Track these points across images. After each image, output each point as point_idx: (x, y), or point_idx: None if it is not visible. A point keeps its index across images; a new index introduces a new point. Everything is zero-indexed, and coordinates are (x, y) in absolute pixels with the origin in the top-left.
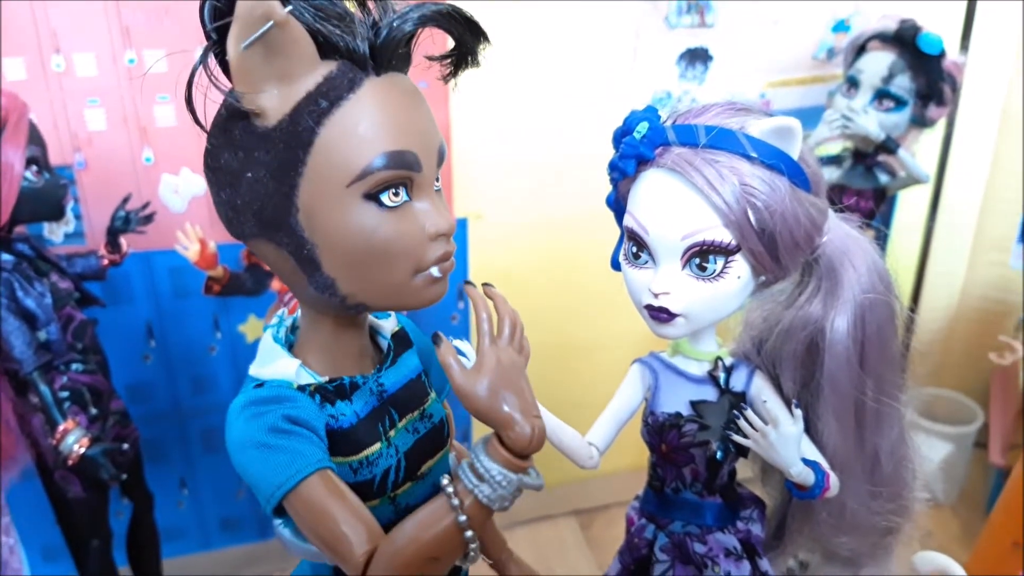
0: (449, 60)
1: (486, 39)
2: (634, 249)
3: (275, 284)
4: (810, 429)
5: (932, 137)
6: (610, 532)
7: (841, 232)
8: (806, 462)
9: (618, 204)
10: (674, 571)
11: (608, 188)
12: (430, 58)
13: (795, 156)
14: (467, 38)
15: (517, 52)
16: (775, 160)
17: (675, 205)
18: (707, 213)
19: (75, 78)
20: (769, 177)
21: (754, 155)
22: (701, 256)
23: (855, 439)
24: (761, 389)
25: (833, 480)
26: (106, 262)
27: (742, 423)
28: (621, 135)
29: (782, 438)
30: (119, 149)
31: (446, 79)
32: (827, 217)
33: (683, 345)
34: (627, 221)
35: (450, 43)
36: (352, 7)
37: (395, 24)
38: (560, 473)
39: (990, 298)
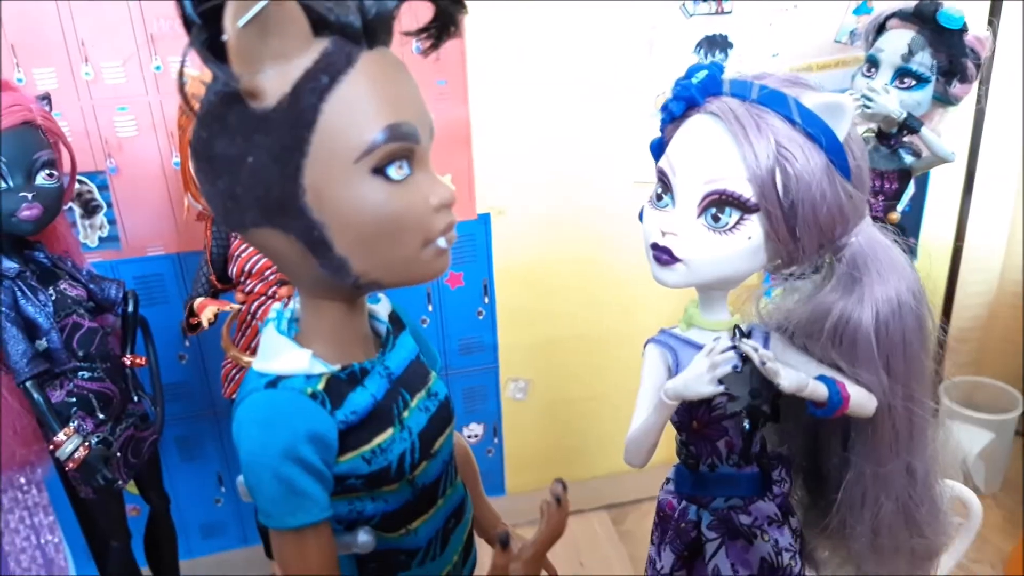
0: (430, 32)
1: (465, 8)
2: (659, 190)
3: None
4: None
5: (964, 118)
6: (642, 526)
7: (872, 238)
8: (821, 379)
9: (660, 150)
10: (726, 547)
11: (628, 176)
12: (410, 33)
13: (842, 134)
14: (449, 8)
15: (534, 48)
16: (817, 131)
17: (707, 149)
18: (735, 163)
19: (104, 86)
20: (807, 147)
21: (797, 121)
22: (717, 206)
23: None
24: (776, 348)
25: (854, 392)
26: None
27: (744, 345)
28: (680, 81)
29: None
30: (149, 153)
31: (427, 52)
32: (861, 215)
33: (696, 317)
34: (661, 162)
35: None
36: None
37: None
38: (591, 468)
39: None
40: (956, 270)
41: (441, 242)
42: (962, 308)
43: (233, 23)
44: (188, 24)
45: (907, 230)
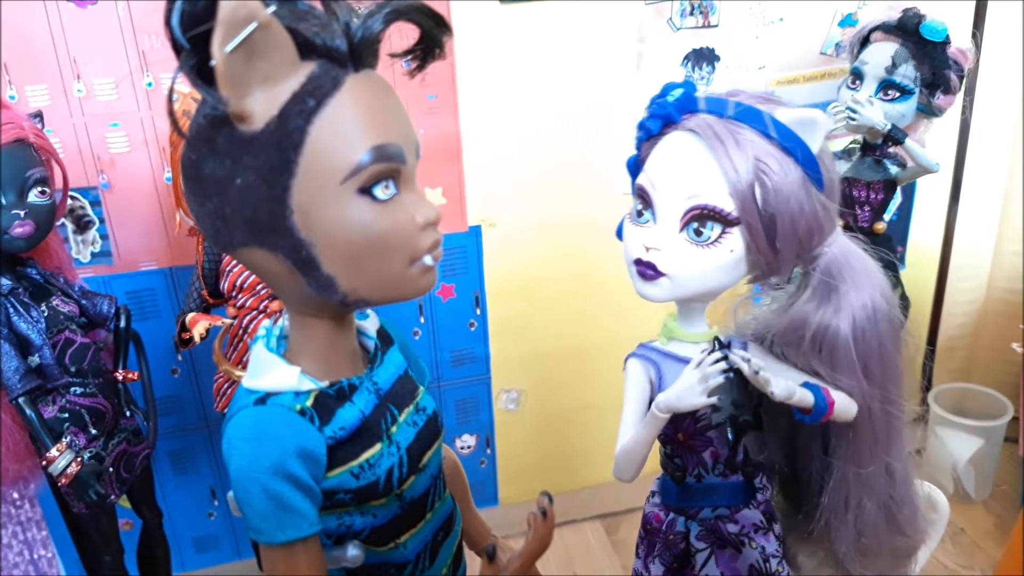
0: (415, 54)
1: (450, 31)
2: (639, 207)
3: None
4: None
5: (950, 128)
6: (635, 535)
7: (845, 247)
8: (807, 386)
9: (637, 167)
10: (715, 556)
11: (617, 188)
12: (396, 55)
13: (815, 148)
14: (434, 31)
15: (524, 62)
16: (792, 145)
17: (688, 165)
18: (716, 178)
19: (96, 102)
20: (784, 160)
21: (774, 136)
22: (700, 221)
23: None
24: (755, 356)
25: (838, 398)
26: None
27: (734, 356)
28: (655, 99)
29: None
30: (141, 169)
31: (413, 73)
32: (834, 225)
33: (677, 331)
34: (640, 179)
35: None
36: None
37: (369, 21)
38: (584, 478)
39: (1016, 290)
40: (944, 278)
41: (427, 260)
42: (950, 316)
43: (221, 48)
44: (177, 49)
45: (894, 239)
